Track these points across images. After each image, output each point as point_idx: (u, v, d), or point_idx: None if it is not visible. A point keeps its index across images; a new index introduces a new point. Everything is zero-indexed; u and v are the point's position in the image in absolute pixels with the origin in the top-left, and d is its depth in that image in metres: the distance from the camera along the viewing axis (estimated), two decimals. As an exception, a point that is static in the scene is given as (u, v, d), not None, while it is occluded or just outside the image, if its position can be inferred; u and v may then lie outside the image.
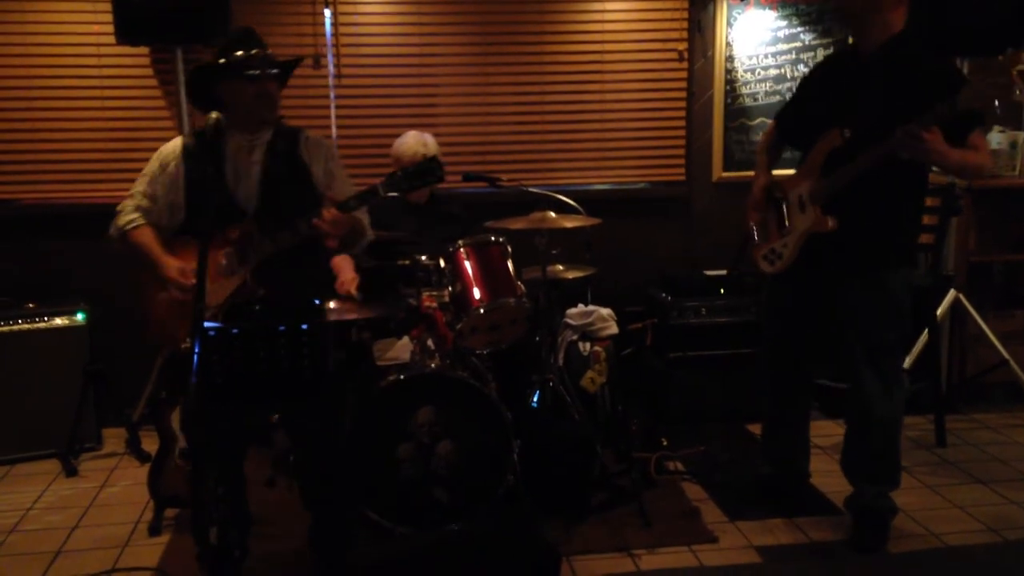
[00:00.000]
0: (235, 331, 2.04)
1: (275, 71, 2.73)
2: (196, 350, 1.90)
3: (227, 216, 2.70)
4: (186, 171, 2.75)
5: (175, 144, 2.81)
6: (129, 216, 2.78)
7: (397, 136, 4.05)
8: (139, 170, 4.36)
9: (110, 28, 4.00)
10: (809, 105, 3.21)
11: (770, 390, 3.49)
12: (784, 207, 3.19)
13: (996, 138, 4.69)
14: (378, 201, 2.68)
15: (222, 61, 2.67)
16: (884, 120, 2.82)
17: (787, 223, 3.18)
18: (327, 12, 4.43)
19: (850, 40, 3.16)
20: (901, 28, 2.95)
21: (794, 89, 3.37)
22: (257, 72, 2.66)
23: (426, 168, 2.66)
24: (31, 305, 4.14)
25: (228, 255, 2.70)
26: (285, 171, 2.79)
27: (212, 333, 2.00)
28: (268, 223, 2.70)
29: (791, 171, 3.22)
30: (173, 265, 2.71)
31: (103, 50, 4.32)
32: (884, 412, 3.12)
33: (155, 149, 4.38)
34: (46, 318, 4.12)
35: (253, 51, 2.67)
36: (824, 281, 3.14)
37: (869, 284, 3.05)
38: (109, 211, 4.35)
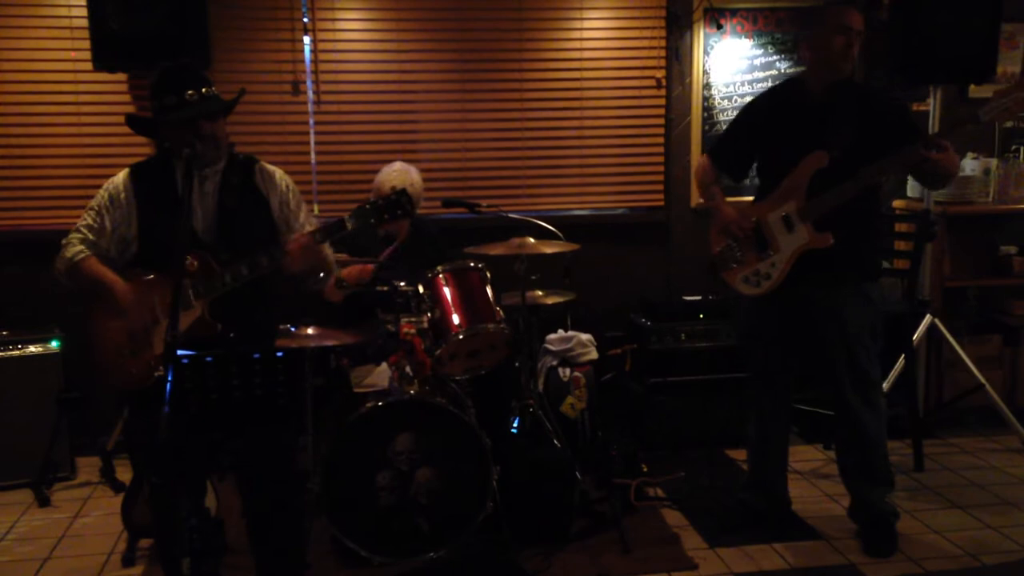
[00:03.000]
0: (208, 359, 2.02)
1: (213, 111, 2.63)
2: (169, 378, 1.88)
3: (184, 248, 2.54)
4: (138, 203, 2.68)
5: (124, 175, 2.73)
6: (76, 248, 2.70)
7: (377, 162, 4.05)
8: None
9: (87, 55, 3.97)
10: (764, 137, 3.33)
11: (758, 415, 3.52)
12: (763, 230, 3.25)
13: (970, 164, 4.75)
14: (347, 234, 2.64)
15: (154, 107, 2.61)
16: (864, 144, 3.07)
17: (771, 244, 3.23)
18: (306, 39, 4.44)
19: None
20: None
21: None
22: (191, 117, 2.58)
23: (395, 202, 2.60)
24: (5, 332, 4.10)
25: (183, 288, 2.58)
26: (242, 203, 2.73)
27: (185, 361, 1.98)
28: (226, 256, 2.63)
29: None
30: (128, 290, 2.64)
31: (80, 76, 4.31)
32: (871, 417, 3.28)
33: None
34: (20, 345, 4.07)
35: (188, 93, 2.57)
36: (810, 295, 3.24)
37: (855, 294, 3.23)
38: None
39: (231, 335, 2.59)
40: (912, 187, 4.76)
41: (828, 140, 3.13)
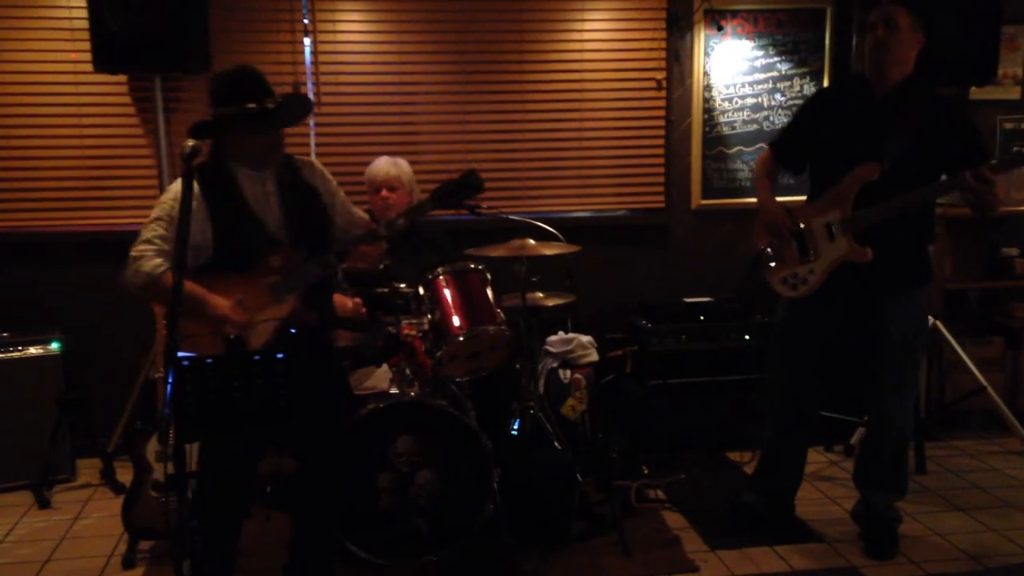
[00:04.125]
0: (209, 361, 2.02)
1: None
2: (170, 381, 1.88)
3: (262, 246, 2.73)
4: (208, 208, 2.68)
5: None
6: (154, 261, 2.63)
7: (373, 162, 4.04)
8: (117, 198, 4.43)
9: (88, 56, 3.98)
10: (821, 136, 3.27)
11: (776, 420, 3.50)
12: (806, 234, 3.24)
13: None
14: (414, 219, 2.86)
15: (231, 111, 2.62)
16: (919, 159, 3.03)
17: (812, 250, 3.22)
18: (306, 40, 4.44)
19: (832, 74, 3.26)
20: (912, 68, 3.13)
21: (780, 117, 3.46)
22: (281, 123, 2.71)
23: (466, 182, 2.86)
24: (5, 334, 4.09)
25: (274, 284, 2.71)
26: (301, 198, 2.85)
27: (186, 363, 1.98)
28: (304, 251, 2.76)
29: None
30: (224, 303, 2.67)
31: (81, 78, 4.31)
32: (903, 423, 3.30)
33: (133, 177, 4.44)
34: (20, 347, 4.06)
35: (267, 102, 2.63)
36: (854, 303, 3.23)
37: (902, 303, 3.20)
38: (86, 239, 4.39)
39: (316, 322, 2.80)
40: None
41: (883, 150, 3.07)
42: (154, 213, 2.69)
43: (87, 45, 3.98)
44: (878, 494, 3.39)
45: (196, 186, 2.65)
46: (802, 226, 3.25)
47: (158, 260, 2.63)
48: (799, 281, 3.26)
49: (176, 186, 2.68)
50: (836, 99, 3.34)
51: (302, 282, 2.74)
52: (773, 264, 3.33)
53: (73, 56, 4.29)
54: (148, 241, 2.65)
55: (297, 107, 2.82)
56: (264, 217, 2.76)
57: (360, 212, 3.09)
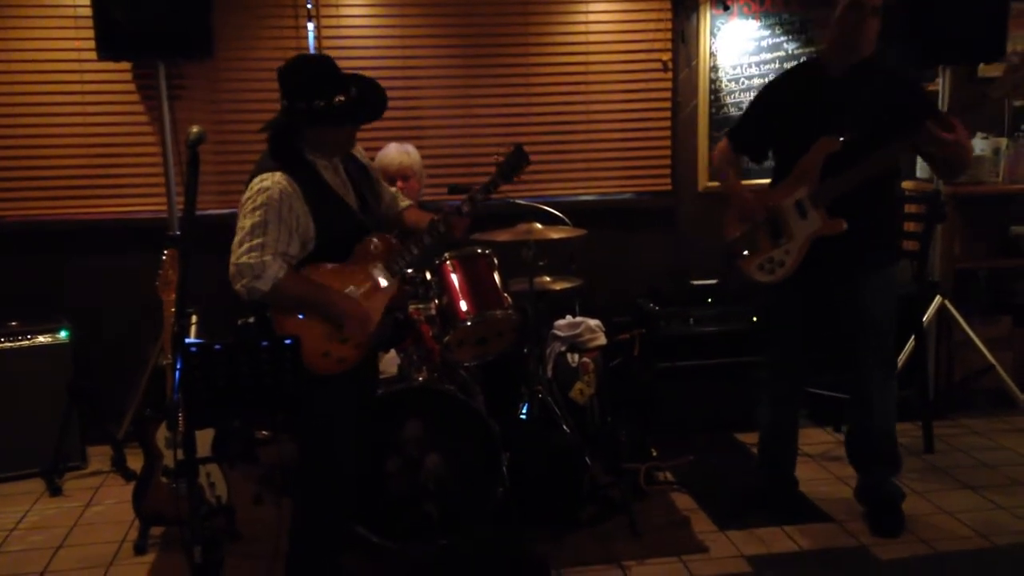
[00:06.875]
0: (217, 347, 2.03)
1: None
2: (178, 368, 1.88)
3: (359, 232, 2.73)
4: (308, 203, 2.59)
5: (285, 179, 2.56)
6: (278, 264, 2.52)
7: (382, 150, 4.04)
8: (122, 185, 4.42)
9: (92, 44, 3.97)
10: (781, 119, 3.30)
11: (771, 399, 3.54)
12: (777, 216, 3.24)
13: (979, 144, 4.72)
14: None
15: (323, 105, 2.59)
16: (879, 130, 3.02)
17: (784, 231, 3.22)
18: (310, 25, 4.42)
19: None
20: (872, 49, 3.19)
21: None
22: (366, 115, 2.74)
23: (518, 154, 3.01)
24: (14, 323, 4.10)
25: (380, 269, 2.75)
26: (364, 179, 2.87)
27: (194, 350, 1.98)
28: (399, 232, 2.82)
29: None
30: (345, 296, 2.68)
31: (85, 66, 4.30)
32: (885, 398, 3.31)
33: (138, 164, 4.45)
34: (29, 336, 4.07)
35: (350, 92, 2.65)
36: (831, 281, 3.25)
37: (879, 279, 3.23)
38: (91, 227, 4.39)
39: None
40: (922, 168, 4.73)
41: (843, 123, 3.09)
42: (254, 217, 2.52)
43: (91, 33, 3.97)
44: (874, 470, 3.43)
45: (293, 182, 2.57)
46: (771, 209, 3.25)
47: (279, 263, 2.53)
48: (776, 264, 3.26)
49: (276, 183, 2.54)
50: (791, 85, 3.36)
51: (400, 266, 2.78)
52: (747, 253, 3.33)
53: (77, 44, 4.28)
54: (261, 246, 2.50)
55: (375, 94, 2.79)
56: (349, 202, 2.75)
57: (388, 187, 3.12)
